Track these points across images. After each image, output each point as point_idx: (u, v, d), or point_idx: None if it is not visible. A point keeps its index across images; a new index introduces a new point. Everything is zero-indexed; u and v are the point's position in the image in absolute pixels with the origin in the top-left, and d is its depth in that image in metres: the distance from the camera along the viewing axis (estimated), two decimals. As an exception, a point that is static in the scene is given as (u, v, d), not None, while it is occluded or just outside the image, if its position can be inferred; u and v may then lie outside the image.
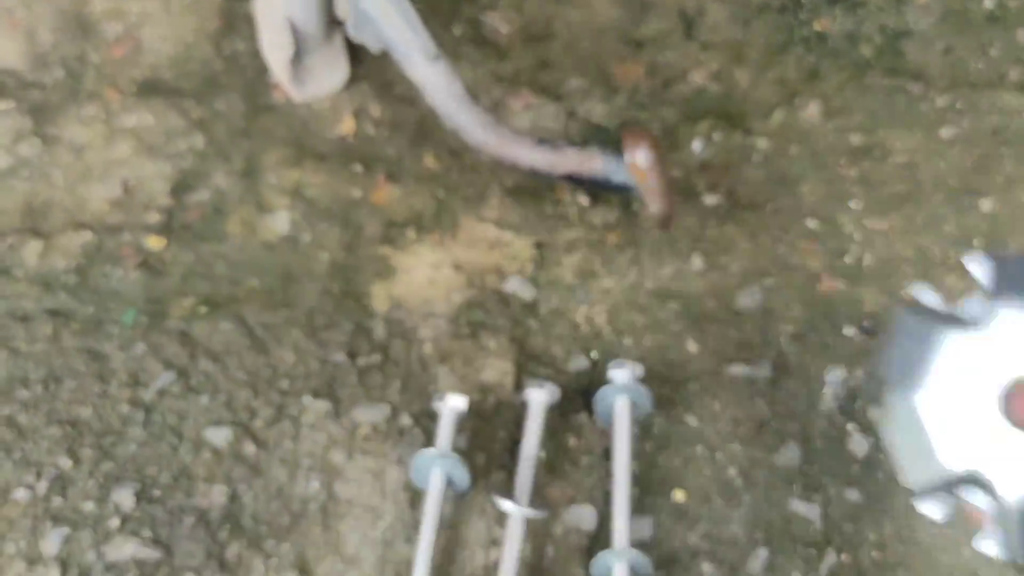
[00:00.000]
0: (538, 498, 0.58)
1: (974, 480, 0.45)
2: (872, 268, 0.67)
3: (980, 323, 0.45)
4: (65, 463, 0.57)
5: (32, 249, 0.64)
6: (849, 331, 0.64)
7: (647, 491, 0.58)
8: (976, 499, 0.46)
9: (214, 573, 0.55)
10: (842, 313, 0.65)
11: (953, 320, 0.46)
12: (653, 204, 0.60)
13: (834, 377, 0.62)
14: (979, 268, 0.47)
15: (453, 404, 0.57)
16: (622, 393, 0.58)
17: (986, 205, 0.70)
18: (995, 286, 0.46)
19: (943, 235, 0.69)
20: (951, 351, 0.45)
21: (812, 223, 0.69)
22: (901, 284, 0.66)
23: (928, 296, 0.50)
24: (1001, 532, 0.45)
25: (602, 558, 0.54)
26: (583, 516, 0.57)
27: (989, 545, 0.47)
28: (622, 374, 0.58)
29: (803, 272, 0.67)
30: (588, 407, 0.61)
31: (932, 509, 0.49)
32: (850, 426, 0.61)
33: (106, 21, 0.76)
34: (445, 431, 0.57)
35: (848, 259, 0.68)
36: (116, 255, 0.65)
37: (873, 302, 0.66)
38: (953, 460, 0.45)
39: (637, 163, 0.57)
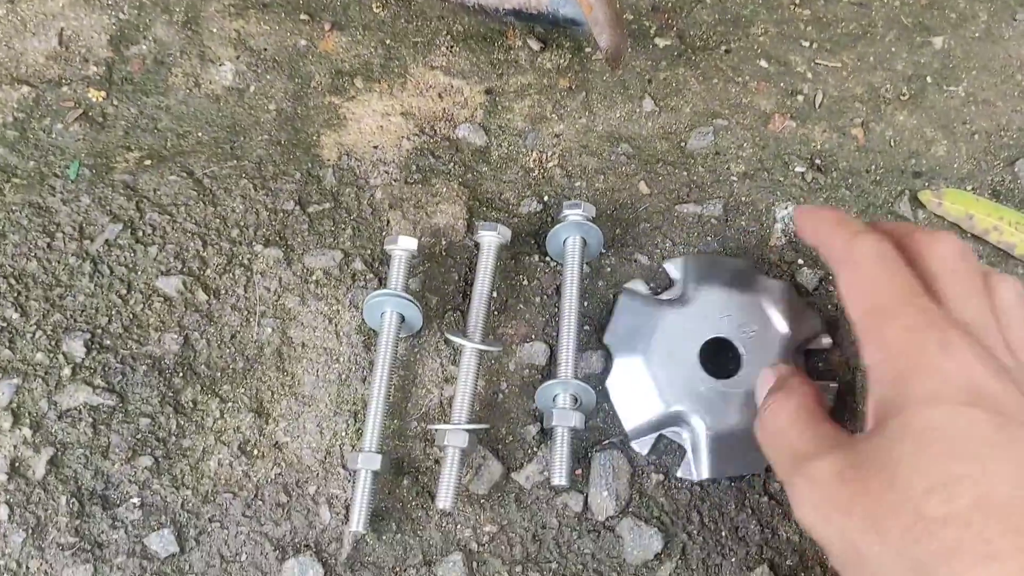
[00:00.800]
0: (491, 337, 0.56)
1: (677, 418, 0.52)
2: (824, 106, 0.64)
3: (682, 302, 0.54)
4: (12, 315, 0.54)
5: (-33, 104, 0.60)
6: (800, 168, 0.61)
7: (598, 328, 0.56)
8: (678, 436, 0.53)
9: (169, 418, 0.52)
10: (793, 151, 0.62)
11: (661, 301, 0.55)
12: (602, 39, 0.56)
13: (784, 213, 0.60)
14: (675, 267, 0.57)
15: (404, 245, 0.54)
16: (573, 230, 0.55)
17: (938, 43, 0.67)
18: (691, 275, 0.56)
19: (895, 72, 0.66)
20: (661, 323, 0.53)
21: (764, 63, 0.66)
22: (852, 121, 0.63)
23: (641, 286, 0.56)
24: (694, 458, 0.52)
25: (546, 388, 0.52)
26: (535, 352, 0.55)
27: (687, 470, 0.52)
28: (574, 212, 0.55)
29: (754, 112, 0.64)
30: (540, 249, 0.58)
31: (641, 445, 0.53)
32: (800, 260, 0.59)
33: None
34: (396, 272, 0.54)
35: (800, 98, 0.64)
36: (56, 109, 0.61)
37: (824, 140, 0.63)
38: (662, 406, 0.52)
39: (584, -7, 0.53)
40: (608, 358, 0.55)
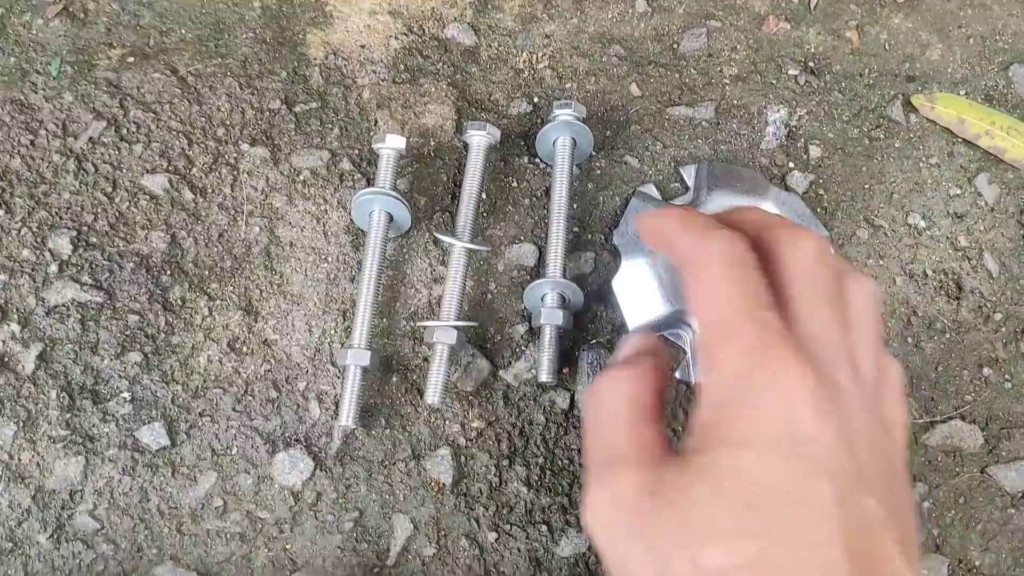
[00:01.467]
0: (480, 238, 0.54)
1: (679, 320, 0.51)
2: (819, 8, 0.61)
3: (693, 206, 0.51)
4: (-3, 212, 0.52)
5: (-56, -2, 0.57)
6: (793, 71, 0.59)
7: (587, 229, 0.55)
8: (679, 338, 0.52)
9: (158, 315, 0.51)
10: (786, 54, 0.60)
11: (671, 205, 0.53)
12: (594, -69, 0.53)
13: (776, 117, 0.58)
14: (689, 172, 0.54)
15: (392, 143, 0.52)
16: (564, 130, 0.53)
17: (936, -55, 0.64)
18: (705, 182, 0.53)
19: (891, -25, 0.63)
20: None
21: (759, -36, 0.63)
22: (847, 24, 0.61)
23: (652, 190, 0.54)
24: (692, 361, 0.51)
25: (535, 288, 0.51)
26: (524, 253, 0.54)
27: (684, 373, 0.51)
28: (565, 112, 0.53)
29: (748, 14, 0.61)
30: (530, 151, 0.57)
31: None
32: (791, 164, 0.57)
33: None
34: (385, 171, 0.52)
35: (794, 0, 0.62)
36: (36, 4, 0.57)
37: (818, 42, 0.60)
38: (666, 307, 0.50)
39: None
40: (596, 259, 0.54)
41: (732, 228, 0.40)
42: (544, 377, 0.50)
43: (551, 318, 0.50)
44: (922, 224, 0.56)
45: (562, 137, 0.53)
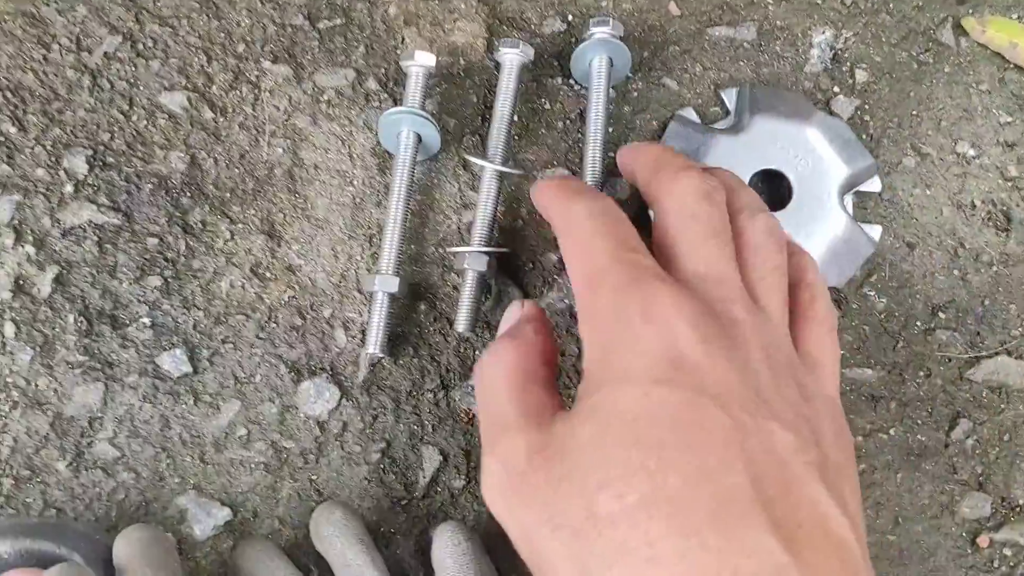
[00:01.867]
0: (512, 162, 0.51)
1: None
2: (867, -75, 0.58)
3: (734, 131, 0.48)
4: (10, 129, 0.49)
5: (-52, -96, 0.53)
6: (840, -9, 0.56)
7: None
8: None
9: (177, 238, 0.48)
10: (833, -27, 0.56)
11: (713, 130, 0.49)
12: None
13: (822, 39, 0.54)
14: (730, 96, 0.51)
15: (421, 60, 0.48)
16: (600, 49, 0.50)
17: None
18: (747, 106, 0.50)
19: None
20: (712, 151, 0.48)
21: None
22: (897, -59, 0.57)
23: (691, 114, 0.51)
24: None
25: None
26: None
27: None
28: (602, 29, 0.50)
29: (793, -69, 0.57)
30: (564, 72, 0.53)
31: None
32: (836, 88, 0.54)
33: None
34: (413, 90, 0.49)
35: (842, -84, 0.58)
36: (45, -87, 0.54)
37: (866, -39, 0.57)
38: None
39: None
40: (632, 186, 0.51)
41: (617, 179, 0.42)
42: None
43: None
44: (971, 153, 0.53)
45: (599, 57, 0.50)
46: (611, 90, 0.51)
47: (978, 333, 0.51)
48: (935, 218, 0.52)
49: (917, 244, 0.52)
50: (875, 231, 0.51)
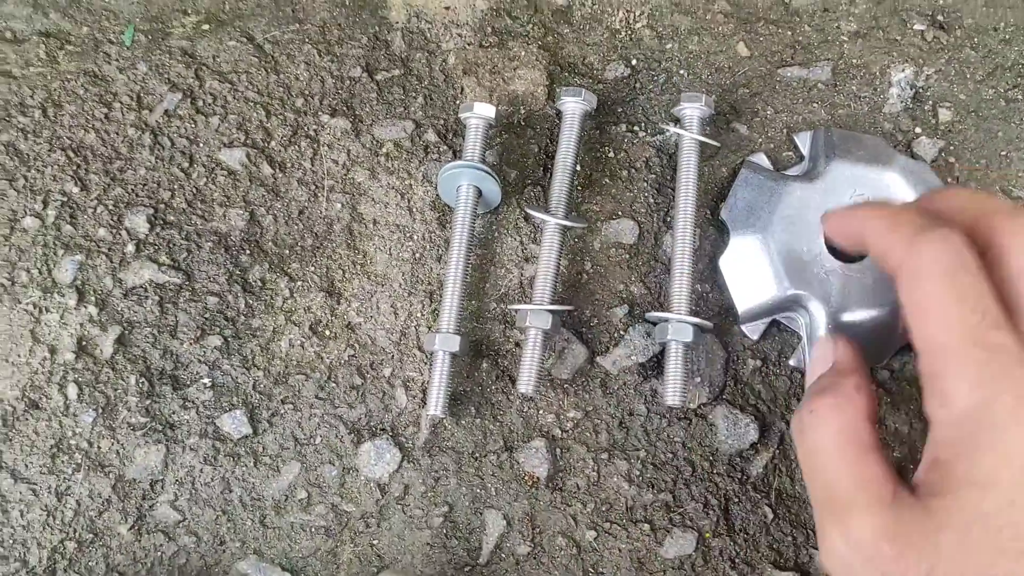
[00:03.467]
0: (575, 213, 0.51)
1: (794, 303, 0.47)
2: (948, -45, 0.56)
3: (809, 178, 0.48)
4: (72, 189, 0.50)
5: (15, -34, 0.55)
6: (919, 26, 0.54)
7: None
8: (793, 322, 0.48)
9: (237, 297, 0.49)
10: (911, 6, 0.55)
11: (786, 176, 0.48)
12: None
13: (901, 77, 0.53)
14: (804, 140, 0.50)
15: (480, 112, 0.49)
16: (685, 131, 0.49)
17: None
18: (822, 150, 0.49)
19: (1032, -85, 0.57)
20: (785, 199, 0.47)
21: (881, -93, 0.57)
22: (981, -29, 0.56)
23: (763, 159, 0.50)
24: (810, 346, 0.47)
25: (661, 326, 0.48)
26: (623, 230, 0.50)
27: (800, 359, 0.48)
28: (692, 110, 0.49)
29: (869, -37, 0.56)
30: (628, 119, 0.53)
31: (753, 330, 0.49)
32: (917, 129, 0.52)
33: None
34: (473, 142, 0.49)
35: (921, -54, 0.56)
36: (107, -29, 0.56)
37: (948, -7, 0.55)
38: (780, 289, 0.47)
39: None
40: (702, 236, 0.50)
41: (940, 220, 0.35)
42: (671, 400, 0.46)
43: (679, 333, 0.46)
44: (1068, 195, 0.51)
45: (687, 139, 0.49)
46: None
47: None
48: (1029, 266, 0.50)
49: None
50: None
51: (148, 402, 0.47)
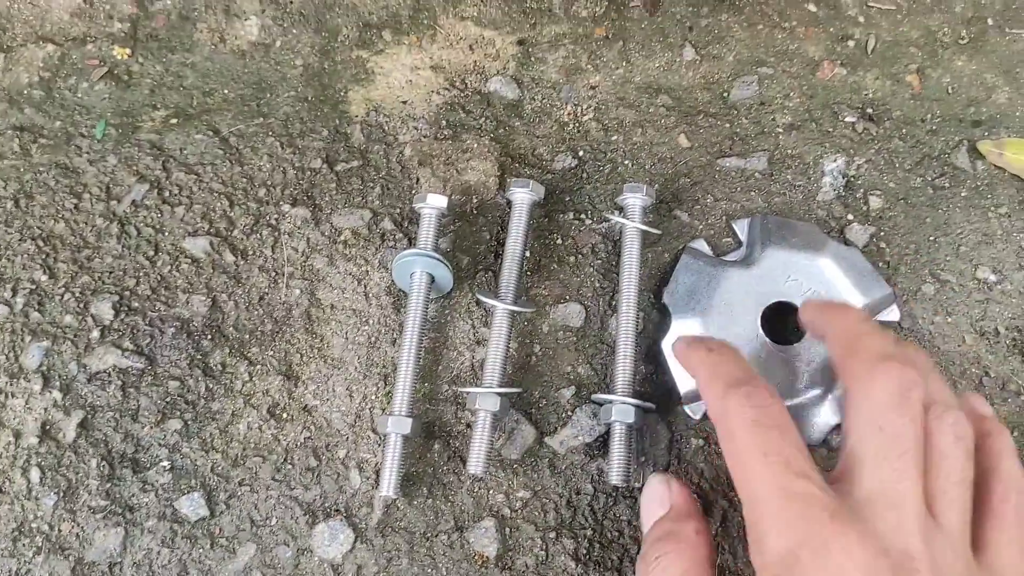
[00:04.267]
0: (524, 298, 0.54)
1: None
2: (877, 52, 0.60)
3: (746, 264, 0.51)
4: (41, 277, 0.53)
5: (-7, 64, 0.59)
6: (850, 118, 0.58)
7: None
8: None
9: (198, 381, 0.51)
10: (843, 100, 0.59)
11: (724, 262, 0.52)
12: (639, -17, 0.52)
13: (833, 166, 0.56)
14: (742, 227, 0.54)
15: (433, 203, 0.52)
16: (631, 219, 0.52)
17: (1001, -18, 0.62)
18: (759, 237, 0.52)
19: (954, 15, 0.61)
20: (724, 284, 0.50)
21: (812, 7, 0.61)
22: (906, 67, 0.59)
23: (703, 245, 0.53)
24: None
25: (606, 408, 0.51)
26: (570, 314, 0.53)
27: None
28: (635, 200, 0.52)
29: (802, 59, 0.60)
30: (575, 207, 0.56)
31: (695, 410, 0.50)
32: (849, 215, 0.55)
33: None
34: (426, 231, 0.52)
35: (851, 44, 0.60)
36: (81, 67, 0.59)
37: (876, 87, 0.59)
38: None
39: (619, -66, 0.49)
40: (645, 319, 0.53)
41: (749, 373, 0.40)
42: (616, 480, 0.48)
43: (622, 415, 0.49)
44: (992, 278, 0.54)
45: (630, 227, 0.52)
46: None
47: (1008, 466, 0.51)
48: (958, 346, 0.53)
49: (942, 373, 0.52)
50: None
51: (108, 485, 0.49)
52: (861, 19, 0.61)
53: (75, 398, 0.50)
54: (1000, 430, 0.40)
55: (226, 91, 0.59)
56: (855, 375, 0.39)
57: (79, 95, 0.58)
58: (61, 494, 0.49)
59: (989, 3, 0.61)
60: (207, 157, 0.56)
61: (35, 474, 0.49)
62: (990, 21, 0.61)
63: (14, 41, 0.59)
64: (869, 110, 0.58)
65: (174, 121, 0.57)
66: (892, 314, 0.53)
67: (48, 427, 0.50)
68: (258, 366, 0.52)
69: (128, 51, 0.59)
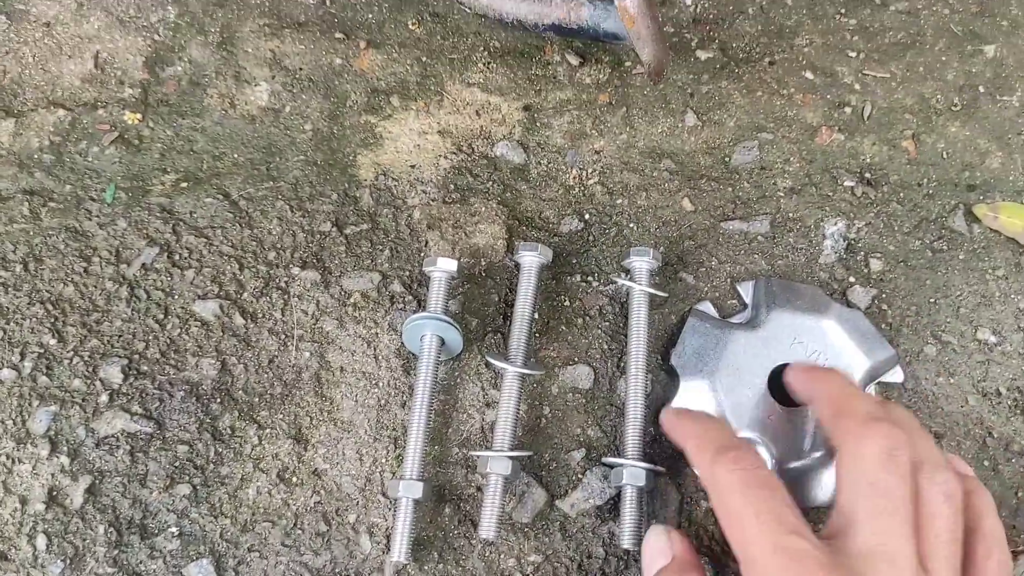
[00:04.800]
0: (533, 359, 0.54)
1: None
2: (873, 118, 0.62)
3: (752, 326, 0.52)
4: (50, 341, 0.53)
5: (4, 129, 0.59)
6: (849, 183, 0.59)
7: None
8: None
9: (207, 445, 0.51)
10: (841, 165, 0.60)
11: (731, 324, 0.53)
12: (644, 52, 0.54)
13: (834, 230, 0.57)
14: (747, 289, 0.55)
15: (443, 267, 0.52)
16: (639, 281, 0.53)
17: (990, 51, 0.64)
18: (763, 299, 0.53)
19: (946, 83, 0.63)
20: (731, 346, 0.51)
21: (809, 75, 0.63)
22: (902, 133, 0.61)
23: (710, 308, 0.54)
24: None
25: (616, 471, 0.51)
26: (579, 375, 0.53)
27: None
28: (641, 263, 0.53)
29: (800, 125, 0.62)
30: (582, 269, 0.57)
31: None
32: (851, 278, 0.56)
33: None
34: (436, 294, 0.52)
35: (847, 110, 0.62)
36: (92, 132, 0.60)
37: (873, 153, 0.60)
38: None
39: (626, 7, 0.51)
40: (652, 380, 0.53)
41: (734, 439, 0.42)
42: (628, 543, 0.49)
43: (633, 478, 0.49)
44: (992, 339, 0.55)
45: (638, 291, 0.53)
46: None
47: (1013, 526, 0.51)
48: (961, 407, 0.53)
49: (945, 434, 0.53)
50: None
51: (116, 552, 0.48)
52: (857, 86, 0.63)
53: (83, 463, 0.50)
54: (981, 489, 0.42)
55: (236, 155, 0.60)
56: (844, 436, 0.40)
57: (89, 159, 0.59)
58: (68, 561, 0.48)
59: (980, 71, 0.63)
60: (217, 220, 0.57)
61: (41, 541, 0.48)
62: (981, 89, 0.63)
63: (25, 106, 0.60)
64: (867, 174, 0.60)
65: (184, 185, 0.58)
66: (896, 376, 0.53)
67: (55, 493, 0.49)
68: (267, 429, 0.52)
69: (139, 116, 0.60)
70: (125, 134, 0.60)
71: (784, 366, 0.51)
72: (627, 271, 0.54)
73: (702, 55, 0.64)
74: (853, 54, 0.64)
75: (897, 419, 0.41)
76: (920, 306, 0.56)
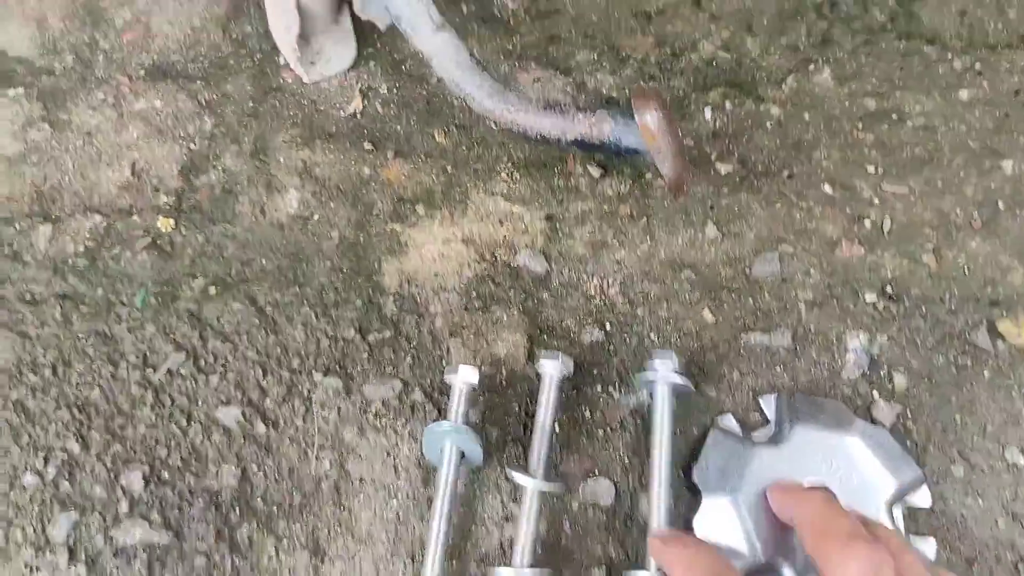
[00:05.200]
0: (553, 472, 0.53)
1: (767, 568, 0.48)
2: (893, 233, 0.62)
3: (775, 442, 0.52)
4: (73, 447, 0.53)
5: (42, 234, 0.60)
6: (870, 297, 0.59)
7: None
8: None
9: (224, 556, 0.51)
10: (862, 279, 0.60)
11: (753, 441, 0.52)
12: (665, 167, 0.55)
13: (856, 344, 0.57)
14: (769, 404, 0.54)
15: (464, 376, 0.52)
16: (662, 383, 0.53)
17: (1008, 167, 0.65)
18: (786, 415, 0.53)
19: (965, 198, 0.63)
20: (754, 462, 0.51)
21: (828, 189, 0.64)
22: (923, 247, 0.61)
23: (731, 422, 0.54)
24: None
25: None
26: (600, 490, 0.53)
27: None
28: (664, 365, 0.53)
29: (820, 238, 0.62)
30: (603, 380, 0.56)
31: None
32: (875, 393, 0.56)
33: (115, 8, 0.72)
34: (457, 405, 0.52)
35: (867, 224, 0.62)
36: (126, 238, 0.61)
37: (894, 266, 0.60)
38: (752, 554, 0.49)
39: (647, 124, 0.52)
40: (675, 496, 0.52)
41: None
42: None
43: None
44: (1021, 460, 0.54)
45: (662, 387, 0.53)
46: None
47: (1051, 658, 0.49)
48: (990, 530, 0.52)
49: (976, 559, 0.51)
50: (930, 545, 0.51)
51: (127, 666, 0.48)
52: (876, 201, 0.63)
53: (100, 573, 0.49)
54: None
55: (264, 261, 0.61)
56: (827, 556, 0.40)
57: (122, 264, 0.60)
58: (78, 676, 0.47)
59: (999, 187, 0.64)
60: (243, 326, 0.57)
61: (53, 653, 0.48)
62: (1000, 204, 0.63)
63: (63, 212, 0.62)
64: (889, 288, 0.59)
65: (212, 290, 0.59)
66: (924, 499, 0.52)
67: (70, 603, 0.49)
68: (285, 541, 0.51)
69: (172, 222, 0.61)
70: (158, 240, 0.61)
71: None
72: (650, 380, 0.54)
73: (722, 168, 0.65)
74: (871, 168, 0.65)
75: (879, 538, 0.41)
76: (946, 424, 0.55)
